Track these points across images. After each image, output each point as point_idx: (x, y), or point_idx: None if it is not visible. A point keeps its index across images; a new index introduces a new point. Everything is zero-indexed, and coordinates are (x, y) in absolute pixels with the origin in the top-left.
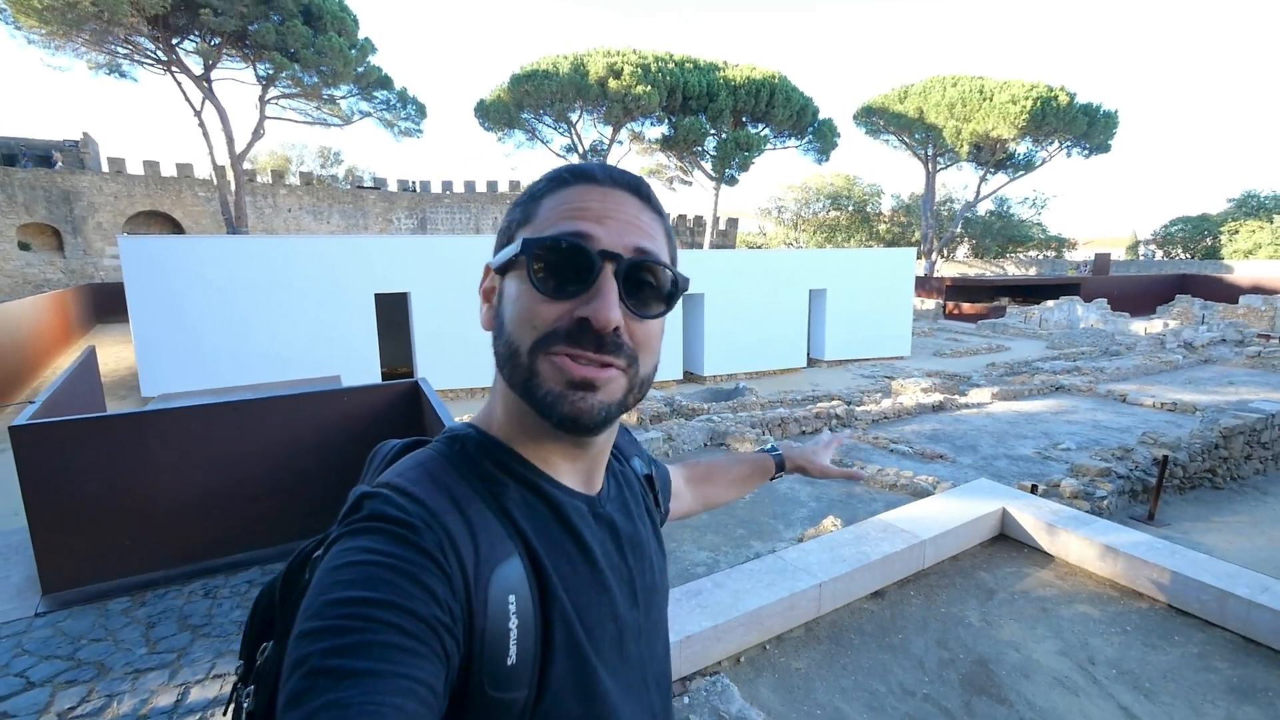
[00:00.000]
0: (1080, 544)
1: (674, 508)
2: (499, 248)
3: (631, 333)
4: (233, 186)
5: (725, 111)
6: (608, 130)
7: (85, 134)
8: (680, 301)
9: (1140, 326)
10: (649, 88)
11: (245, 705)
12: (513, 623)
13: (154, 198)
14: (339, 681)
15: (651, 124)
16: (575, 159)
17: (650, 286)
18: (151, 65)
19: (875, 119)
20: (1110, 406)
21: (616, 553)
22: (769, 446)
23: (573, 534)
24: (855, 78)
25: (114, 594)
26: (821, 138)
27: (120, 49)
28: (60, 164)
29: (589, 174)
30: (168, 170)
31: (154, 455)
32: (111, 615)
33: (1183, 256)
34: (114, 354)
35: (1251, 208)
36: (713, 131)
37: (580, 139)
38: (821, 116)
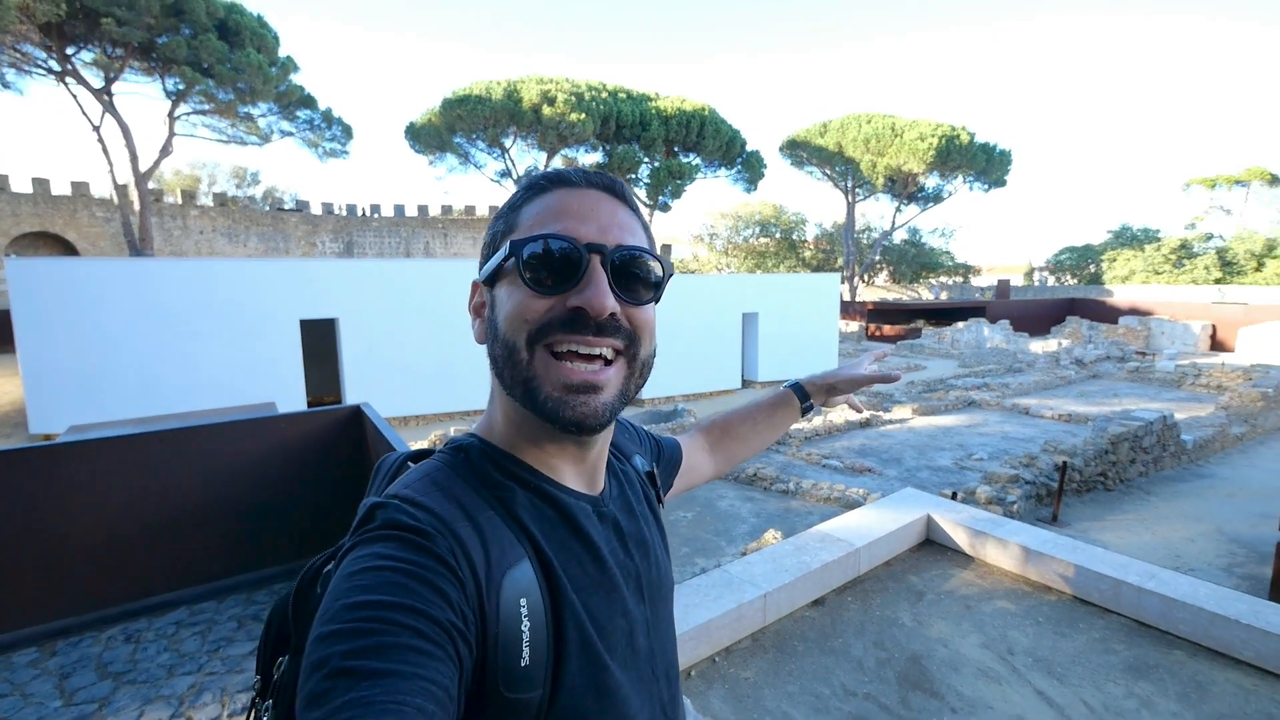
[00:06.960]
0: (996, 545)
1: (690, 480)
2: (484, 261)
3: (629, 317)
4: (136, 206)
5: (658, 141)
6: (542, 156)
7: None
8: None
9: (1038, 346)
10: (583, 115)
11: (264, 719)
12: (525, 625)
13: (43, 218)
14: (360, 681)
15: (586, 151)
16: (509, 184)
17: (637, 276)
18: (43, 76)
19: (799, 151)
20: (1016, 419)
21: (623, 551)
22: (790, 382)
23: (580, 535)
24: (780, 112)
25: (18, 645)
26: (750, 168)
27: (5, 57)
28: None
29: (565, 178)
30: (60, 189)
31: (66, 491)
32: (17, 668)
33: (1071, 282)
34: None
35: (1126, 239)
36: (646, 160)
37: (514, 164)
38: (749, 148)
